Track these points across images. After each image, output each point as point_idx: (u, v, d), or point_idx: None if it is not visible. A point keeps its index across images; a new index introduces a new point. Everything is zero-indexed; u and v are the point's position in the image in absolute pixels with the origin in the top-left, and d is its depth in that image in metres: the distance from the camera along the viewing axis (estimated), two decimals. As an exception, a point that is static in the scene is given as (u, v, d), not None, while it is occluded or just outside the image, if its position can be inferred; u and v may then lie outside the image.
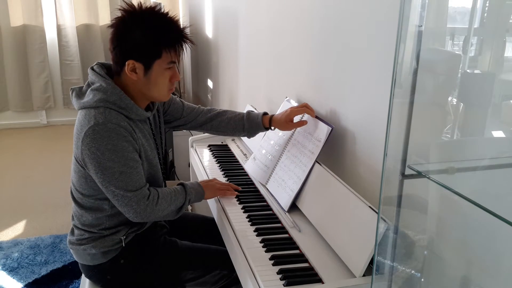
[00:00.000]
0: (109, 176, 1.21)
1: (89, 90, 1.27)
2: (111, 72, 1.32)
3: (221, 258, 1.39)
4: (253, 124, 1.53)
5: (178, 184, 1.39)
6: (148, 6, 1.25)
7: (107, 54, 4.61)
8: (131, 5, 1.23)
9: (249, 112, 1.56)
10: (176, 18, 1.29)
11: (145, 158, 1.32)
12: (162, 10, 1.27)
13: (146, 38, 1.21)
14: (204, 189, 1.41)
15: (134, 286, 1.41)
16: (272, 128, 1.53)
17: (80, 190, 1.31)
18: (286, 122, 1.47)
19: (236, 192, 1.48)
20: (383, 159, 0.79)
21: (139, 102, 1.31)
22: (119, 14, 1.24)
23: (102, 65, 1.31)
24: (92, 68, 1.30)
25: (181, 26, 1.28)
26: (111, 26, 1.25)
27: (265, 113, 1.54)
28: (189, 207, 2.66)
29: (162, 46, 1.23)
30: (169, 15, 1.26)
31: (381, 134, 1.20)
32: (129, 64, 1.23)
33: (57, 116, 4.76)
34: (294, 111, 1.47)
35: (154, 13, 1.24)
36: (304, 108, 1.47)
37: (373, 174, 1.24)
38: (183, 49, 1.30)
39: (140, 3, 1.25)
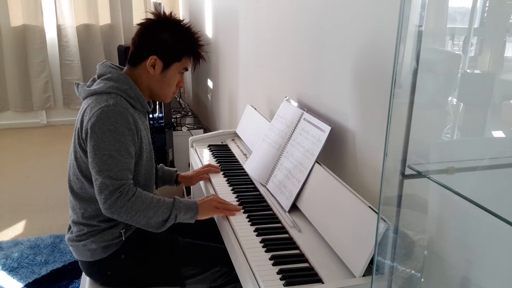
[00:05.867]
0: (99, 156, 1.23)
1: (99, 80, 1.34)
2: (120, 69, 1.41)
3: (222, 256, 1.40)
4: (166, 174, 1.67)
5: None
6: (178, 18, 1.40)
7: (107, 54, 4.62)
8: (163, 12, 1.38)
9: (162, 165, 1.69)
10: (201, 34, 1.44)
11: (144, 150, 1.36)
12: (189, 25, 1.41)
13: (173, 41, 1.35)
14: (199, 208, 1.35)
15: (134, 282, 1.41)
16: (177, 184, 1.70)
17: (81, 178, 1.32)
18: (191, 177, 1.67)
19: (235, 213, 1.38)
20: (383, 159, 0.79)
21: (144, 96, 1.39)
22: (148, 16, 1.38)
23: (110, 63, 1.40)
24: (102, 64, 1.39)
25: (203, 43, 1.43)
26: (141, 24, 1.37)
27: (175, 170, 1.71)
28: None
29: (184, 52, 1.38)
30: (194, 30, 1.41)
31: (381, 134, 1.20)
32: (151, 59, 1.34)
33: (57, 116, 4.77)
34: (199, 171, 1.69)
35: (182, 24, 1.39)
36: (208, 168, 1.70)
37: (373, 174, 1.25)
38: (198, 62, 1.44)
39: (171, 13, 1.39)
